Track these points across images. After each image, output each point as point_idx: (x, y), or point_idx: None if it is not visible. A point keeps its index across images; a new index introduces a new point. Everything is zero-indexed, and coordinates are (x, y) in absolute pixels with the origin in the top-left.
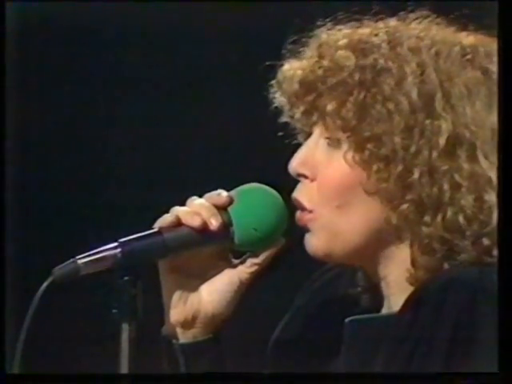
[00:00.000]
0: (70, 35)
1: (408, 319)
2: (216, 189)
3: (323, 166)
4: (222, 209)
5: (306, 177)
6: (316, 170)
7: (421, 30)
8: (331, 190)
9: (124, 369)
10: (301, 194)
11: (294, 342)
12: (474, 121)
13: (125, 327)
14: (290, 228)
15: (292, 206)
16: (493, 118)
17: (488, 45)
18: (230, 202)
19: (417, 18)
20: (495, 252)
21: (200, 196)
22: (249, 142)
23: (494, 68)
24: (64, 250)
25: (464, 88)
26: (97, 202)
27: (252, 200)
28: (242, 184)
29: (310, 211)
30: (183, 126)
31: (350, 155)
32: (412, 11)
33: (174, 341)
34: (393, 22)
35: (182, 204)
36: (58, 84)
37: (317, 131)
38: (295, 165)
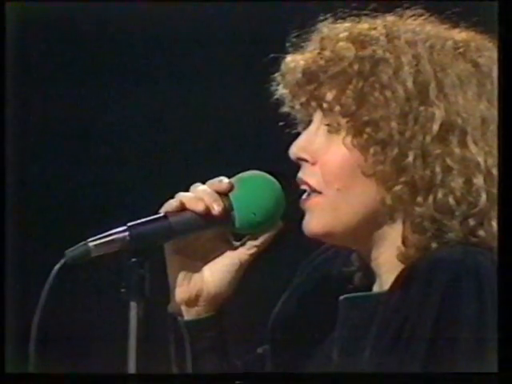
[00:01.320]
0: (69, 35)
1: (397, 296)
2: (218, 176)
3: (323, 151)
4: (223, 194)
5: (306, 160)
6: (316, 154)
7: (416, 25)
8: (332, 173)
9: (132, 345)
10: (306, 175)
11: (293, 316)
12: (465, 109)
13: (133, 305)
14: (287, 212)
15: (291, 190)
16: (482, 107)
17: (478, 40)
18: (231, 188)
19: (412, 15)
20: (480, 232)
21: (203, 183)
22: (249, 133)
23: (483, 61)
24: (64, 250)
25: (456, 78)
26: (100, 200)
27: (251, 186)
28: (243, 171)
29: (319, 192)
30: (186, 118)
31: (348, 139)
32: (407, 8)
33: (179, 318)
34: (390, 17)
35: (186, 190)
36: (58, 84)
37: (316, 119)
38: (296, 150)
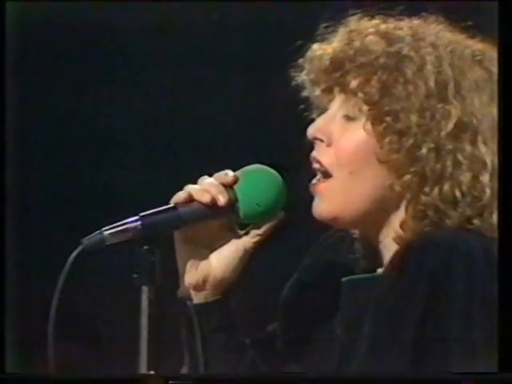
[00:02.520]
0: (69, 35)
1: (392, 275)
2: (224, 169)
3: (339, 134)
4: (228, 187)
5: (321, 140)
6: (332, 136)
7: (439, 31)
8: (347, 156)
9: (144, 326)
10: (320, 154)
11: (301, 297)
12: (480, 111)
13: (144, 290)
14: (288, 203)
15: (290, 181)
16: (494, 111)
17: (492, 51)
18: (236, 180)
19: (435, 21)
20: (475, 221)
21: (210, 175)
22: (252, 129)
23: (496, 70)
24: (64, 250)
25: (473, 82)
26: (105, 197)
27: (255, 179)
28: (247, 165)
29: (330, 175)
30: (192, 114)
31: (368, 126)
32: (432, 14)
33: (188, 301)
34: (415, 20)
35: (194, 183)
36: (58, 83)
37: (335, 105)
38: (312, 130)
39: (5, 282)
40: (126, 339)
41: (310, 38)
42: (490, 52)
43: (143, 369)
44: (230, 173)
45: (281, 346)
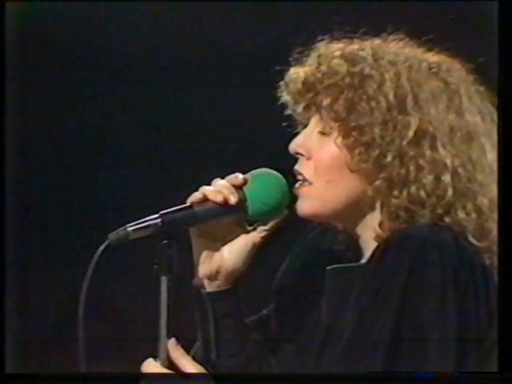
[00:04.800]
0: (69, 35)
1: (374, 266)
2: (234, 172)
3: (316, 148)
4: (238, 188)
5: (302, 155)
6: (311, 151)
7: (398, 48)
8: (324, 168)
9: (164, 312)
10: (301, 167)
11: (291, 283)
12: (436, 118)
13: (163, 279)
14: (291, 202)
15: (293, 184)
16: (450, 118)
17: (448, 62)
18: (245, 182)
19: (395, 40)
20: (446, 219)
21: (222, 178)
22: (260, 137)
23: (452, 80)
24: (64, 250)
25: (429, 93)
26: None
27: (262, 181)
28: (255, 168)
29: (310, 183)
30: (204, 125)
31: (339, 140)
32: (391, 33)
33: (202, 290)
34: (376, 40)
35: (208, 184)
36: (58, 84)
37: (312, 122)
38: (294, 146)
39: (5, 282)
40: (148, 324)
41: (287, 62)
42: (445, 63)
43: (163, 348)
44: (240, 175)
45: (274, 327)
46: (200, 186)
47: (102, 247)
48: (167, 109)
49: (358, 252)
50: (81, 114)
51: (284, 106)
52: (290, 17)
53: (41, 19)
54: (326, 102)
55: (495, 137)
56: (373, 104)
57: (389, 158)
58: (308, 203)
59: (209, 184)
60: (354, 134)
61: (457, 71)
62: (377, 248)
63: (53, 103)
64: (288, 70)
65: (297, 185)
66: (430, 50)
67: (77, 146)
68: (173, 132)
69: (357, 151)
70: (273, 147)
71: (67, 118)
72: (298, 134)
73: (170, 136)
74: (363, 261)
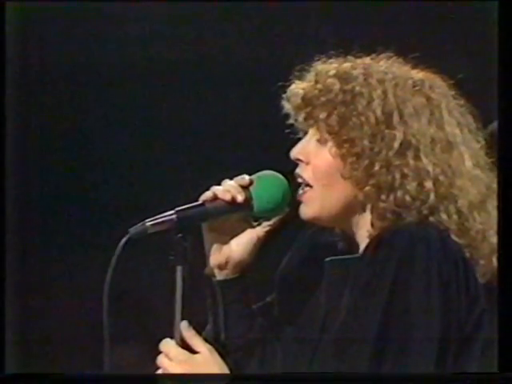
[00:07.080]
0: (69, 35)
1: (367, 258)
2: (242, 174)
3: (313, 155)
4: (245, 188)
5: (301, 161)
6: (309, 157)
7: (386, 67)
8: (320, 173)
9: (179, 297)
10: (301, 171)
11: (293, 273)
12: (419, 132)
13: (179, 269)
14: (292, 201)
15: (293, 185)
16: (432, 131)
17: (431, 79)
18: (251, 183)
19: (384, 58)
20: (431, 219)
21: (230, 179)
22: (264, 141)
23: (434, 96)
24: (64, 250)
25: (413, 109)
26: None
27: (266, 182)
28: (260, 170)
29: (310, 185)
30: (213, 131)
31: (333, 150)
32: (381, 53)
33: (212, 278)
34: (367, 60)
35: (219, 184)
36: (59, 84)
37: (311, 132)
38: (295, 153)
39: (5, 282)
40: (164, 309)
41: (288, 77)
42: (428, 80)
43: (177, 330)
44: (247, 177)
45: (277, 312)
46: (211, 186)
47: (123, 240)
48: (185, 116)
49: (354, 246)
50: (81, 113)
51: (287, 116)
52: (292, 37)
53: (41, 19)
54: (322, 115)
55: (473, 146)
56: (362, 119)
57: (377, 167)
58: (309, 208)
59: (219, 184)
60: (346, 145)
61: (439, 87)
62: (369, 243)
63: (53, 103)
64: (289, 85)
65: (299, 191)
66: (415, 66)
67: (77, 146)
68: (189, 139)
69: (349, 161)
70: (276, 152)
71: (67, 118)
72: (299, 139)
73: (185, 141)
74: (358, 254)
